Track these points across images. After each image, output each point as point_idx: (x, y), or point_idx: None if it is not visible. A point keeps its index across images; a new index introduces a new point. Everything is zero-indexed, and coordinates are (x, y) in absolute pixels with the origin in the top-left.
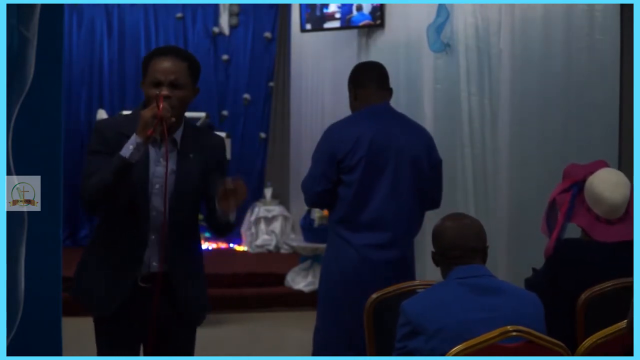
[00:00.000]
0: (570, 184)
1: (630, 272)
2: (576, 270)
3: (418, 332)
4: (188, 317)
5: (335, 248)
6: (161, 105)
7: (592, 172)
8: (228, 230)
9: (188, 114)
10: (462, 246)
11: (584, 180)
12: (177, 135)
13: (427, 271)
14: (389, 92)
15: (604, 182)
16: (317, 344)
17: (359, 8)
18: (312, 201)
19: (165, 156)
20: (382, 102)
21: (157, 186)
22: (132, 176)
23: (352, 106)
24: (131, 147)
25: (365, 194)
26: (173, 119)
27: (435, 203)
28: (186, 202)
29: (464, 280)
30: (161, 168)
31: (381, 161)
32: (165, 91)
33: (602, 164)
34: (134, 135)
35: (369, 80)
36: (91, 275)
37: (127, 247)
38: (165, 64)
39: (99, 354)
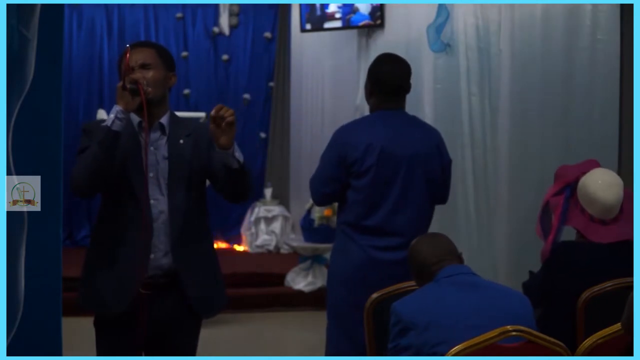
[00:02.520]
0: (562, 186)
1: (627, 272)
2: (573, 273)
3: (409, 329)
4: (195, 310)
5: (343, 247)
6: (128, 56)
7: (583, 173)
8: (242, 179)
9: (188, 114)
10: (440, 252)
11: (576, 181)
12: (164, 120)
13: None
14: (406, 92)
15: (597, 183)
16: (327, 343)
17: (359, 8)
18: (320, 201)
19: (145, 130)
20: (396, 109)
21: (150, 174)
22: (121, 155)
23: (367, 100)
24: (112, 115)
25: (375, 201)
26: (149, 89)
27: (443, 199)
28: (183, 186)
29: (451, 278)
30: (152, 156)
31: (391, 170)
32: (137, 73)
33: (594, 164)
34: (114, 105)
35: (385, 83)
36: (99, 274)
37: (132, 240)
38: (133, 55)
39: (98, 351)
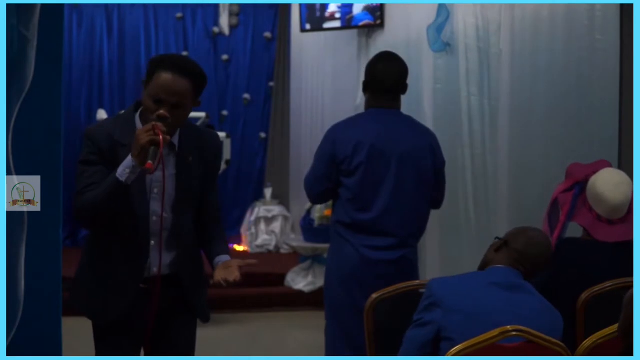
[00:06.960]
0: (572, 184)
1: (630, 272)
2: (577, 270)
3: (437, 305)
4: (193, 313)
5: (336, 247)
6: (161, 138)
7: (594, 172)
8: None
9: None
10: (544, 263)
11: (586, 180)
12: (175, 139)
13: (427, 271)
14: (400, 92)
15: (606, 183)
16: (326, 343)
17: (359, 8)
18: (315, 199)
19: (162, 176)
20: (389, 107)
21: (155, 190)
22: (129, 192)
23: (364, 93)
24: (127, 170)
25: (366, 200)
26: (169, 138)
27: (437, 204)
28: (187, 205)
29: (495, 276)
30: (159, 173)
31: (382, 168)
32: (164, 111)
33: (605, 164)
34: (130, 157)
35: (378, 82)
36: (90, 285)
37: (127, 254)
38: (170, 82)
39: (98, 355)
